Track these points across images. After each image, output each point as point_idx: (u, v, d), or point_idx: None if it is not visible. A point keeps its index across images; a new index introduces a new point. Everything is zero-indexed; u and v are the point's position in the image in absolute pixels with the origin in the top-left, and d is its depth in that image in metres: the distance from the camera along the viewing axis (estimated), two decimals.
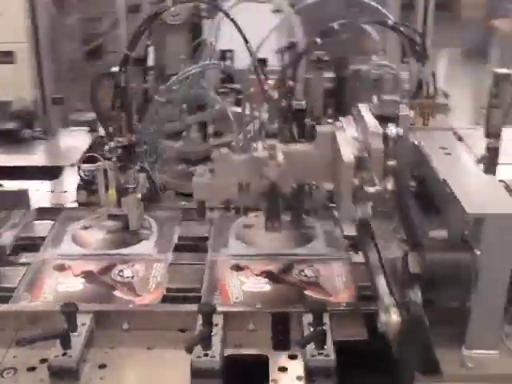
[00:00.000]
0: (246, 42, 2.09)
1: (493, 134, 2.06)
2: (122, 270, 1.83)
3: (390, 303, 1.46)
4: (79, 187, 2.11)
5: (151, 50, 2.61)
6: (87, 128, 2.80)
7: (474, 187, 1.51)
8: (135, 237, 1.99)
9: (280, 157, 1.73)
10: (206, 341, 1.47)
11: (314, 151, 1.83)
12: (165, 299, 1.71)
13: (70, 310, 1.50)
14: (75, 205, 2.18)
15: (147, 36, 2.53)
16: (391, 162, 1.69)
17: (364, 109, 1.89)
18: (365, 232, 1.77)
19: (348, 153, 1.69)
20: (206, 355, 1.47)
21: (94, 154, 1.97)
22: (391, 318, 1.43)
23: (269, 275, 1.82)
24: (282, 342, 1.58)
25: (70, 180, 2.37)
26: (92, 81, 2.02)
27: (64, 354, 1.47)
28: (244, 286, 1.77)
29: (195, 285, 1.76)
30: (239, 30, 2.13)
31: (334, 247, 1.97)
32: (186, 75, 2.07)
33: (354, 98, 2.46)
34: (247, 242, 1.99)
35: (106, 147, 1.89)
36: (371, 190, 1.60)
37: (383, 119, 1.83)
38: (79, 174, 2.09)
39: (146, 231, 2.02)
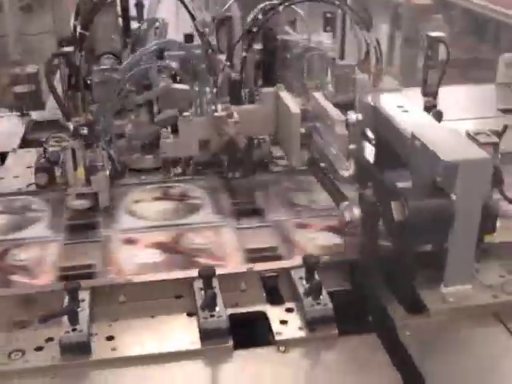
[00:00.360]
0: (194, 18, 2.15)
1: (430, 93, 2.24)
2: (16, 254, 1.84)
3: (350, 202, 1.72)
4: (38, 170, 2.07)
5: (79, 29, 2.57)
6: (17, 113, 2.74)
7: (440, 138, 1.65)
8: (27, 220, 1.99)
9: (236, 115, 2.04)
10: (211, 303, 1.53)
11: (260, 109, 2.19)
12: (61, 278, 1.74)
13: (73, 287, 1.52)
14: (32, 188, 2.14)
15: (75, 16, 2.50)
16: (352, 146, 1.84)
17: (320, 97, 2.00)
18: (314, 164, 2.05)
19: (295, 106, 2.03)
20: (212, 316, 1.53)
21: (60, 135, 1.95)
22: (354, 213, 1.65)
23: (160, 246, 1.87)
24: (275, 297, 1.67)
25: (16, 165, 2.32)
26: (46, 62, 2.00)
27: (74, 330, 1.48)
28: (136, 259, 1.81)
29: (90, 261, 1.80)
30: (186, 7, 2.18)
31: (221, 215, 2.04)
32: (147, 52, 2.08)
33: (282, 69, 2.56)
34: (138, 216, 2.03)
35: (71, 126, 1.88)
36: (346, 174, 1.77)
37: (338, 106, 1.97)
38: (45, 156, 2.05)
39: (37, 213, 2.02)
